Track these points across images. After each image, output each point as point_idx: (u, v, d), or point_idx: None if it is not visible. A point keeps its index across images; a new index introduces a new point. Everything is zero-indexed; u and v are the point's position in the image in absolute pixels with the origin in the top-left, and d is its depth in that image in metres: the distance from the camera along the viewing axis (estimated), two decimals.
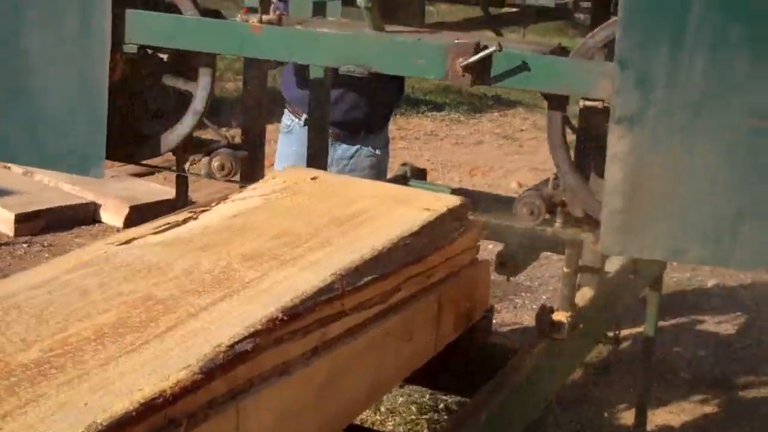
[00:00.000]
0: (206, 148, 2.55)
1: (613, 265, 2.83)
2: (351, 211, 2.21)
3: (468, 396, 2.36)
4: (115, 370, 1.44)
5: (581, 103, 2.08)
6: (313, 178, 2.43)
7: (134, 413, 1.33)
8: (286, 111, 4.07)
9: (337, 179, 2.52)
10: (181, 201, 2.65)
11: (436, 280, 2.13)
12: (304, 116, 3.87)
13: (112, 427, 1.30)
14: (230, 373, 1.51)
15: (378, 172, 4.02)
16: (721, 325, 5.28)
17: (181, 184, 2.65)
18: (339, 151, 3.93)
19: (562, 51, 2.21)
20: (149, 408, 1.35)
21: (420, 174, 3.71)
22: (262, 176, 2.64)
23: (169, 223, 2.08)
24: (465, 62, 2.06)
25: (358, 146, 3.99)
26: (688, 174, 1.89)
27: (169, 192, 6.35)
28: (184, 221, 2.10)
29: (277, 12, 2.36)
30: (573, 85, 2.06)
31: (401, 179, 3.58)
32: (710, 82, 1.85)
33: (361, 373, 1.85)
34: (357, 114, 3.95)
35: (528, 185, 7.82)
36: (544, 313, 2.34)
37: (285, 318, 1.66)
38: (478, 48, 2.07)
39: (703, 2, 1.83)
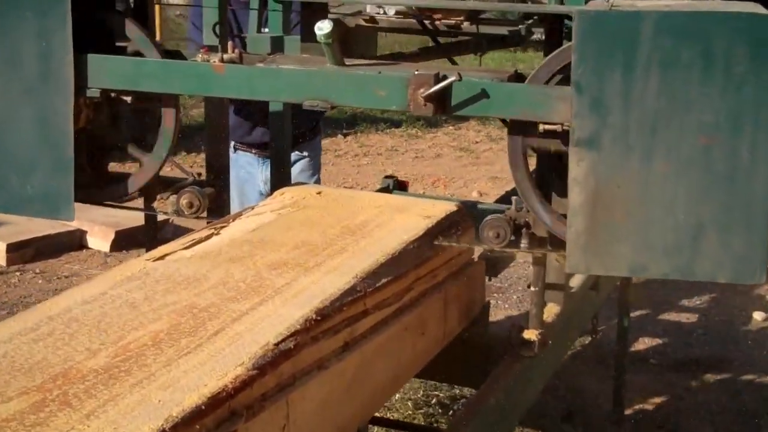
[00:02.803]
0: (174, 186, 2.45)
1: (575, 280, 2.83)
2: (359, 220, 2.30)
3: (472, 385, 2.45)
4: (177, 369, 1.52)
5: (540, 127, 2.03)
6: (318, 193, 2.52)
7: (203, 407, 1.41)
8: None
9: (339, 192, 2.60)
10: (150, 240, 2.51)
11: (440, 279, 2.23)
12: (232, 143, 3.97)
13: (186, 420, 1.38)
14: (277, 369, 1.59)
15: (311, 174, 4.18)
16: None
17: (151, 222, 2.55)
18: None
19: (518, 77, 2.15)
20: (215, 401, 1.44)
21: (402, 186, 3.81)
22: (228, 211, 2.59)
23: (194, 240, 2.16)
24: (426, 92, 2.01)
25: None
26: (647, 192, 1.88)
27: None
28: (208, 237, 2.18)
29: (236, 50, 2.30)
30: (532, 110, 1.99)
31: (386, 191, 3.68)
32: (663, 103, 1.84)
33: (385, 365, 1.95)
34: None
35: (488, 194, 7.87)
36: (514, 332, 2.32)
37: (318, 318, 1.75)
38: (438, 78, 2.01)
39: (654, 25, 1.82)
